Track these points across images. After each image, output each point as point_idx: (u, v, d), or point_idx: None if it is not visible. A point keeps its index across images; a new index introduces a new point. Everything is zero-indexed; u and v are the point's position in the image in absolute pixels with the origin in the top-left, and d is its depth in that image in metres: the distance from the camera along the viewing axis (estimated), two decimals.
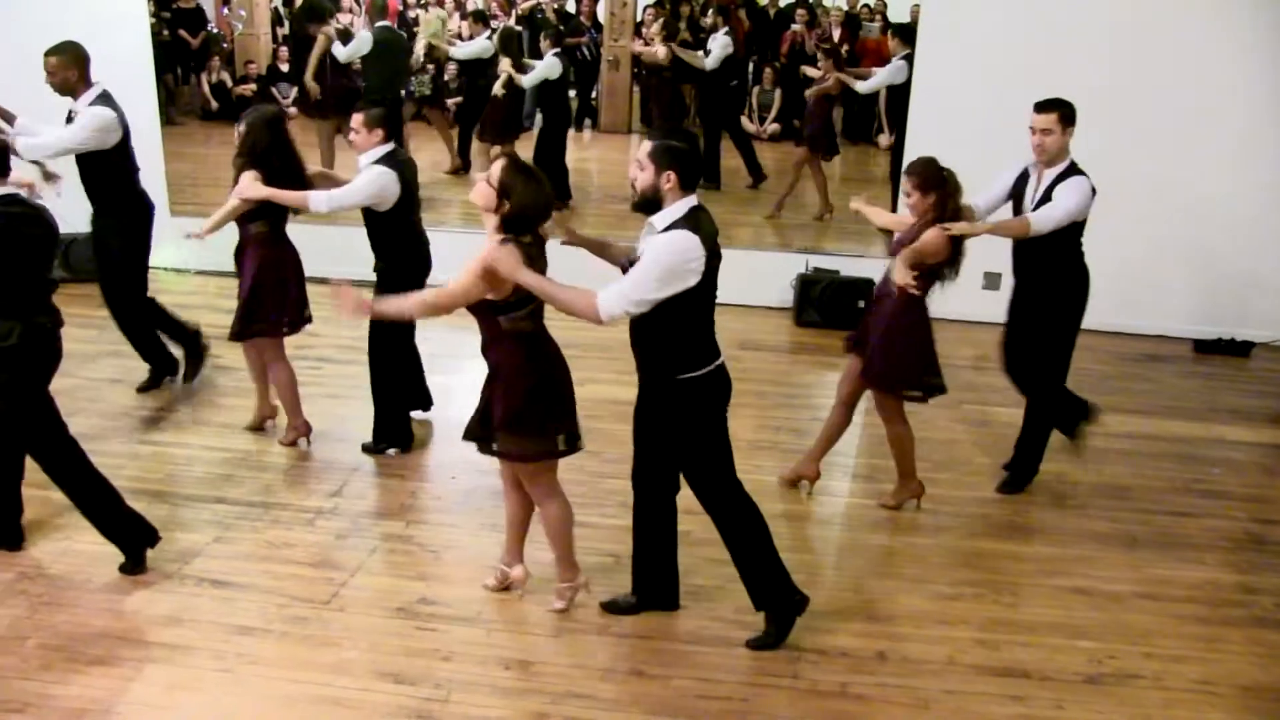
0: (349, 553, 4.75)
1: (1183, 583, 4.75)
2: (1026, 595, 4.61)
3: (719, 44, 9.74)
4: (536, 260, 3.89)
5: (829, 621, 4.36)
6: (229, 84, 11.32)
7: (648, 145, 3.77)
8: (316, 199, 5.25)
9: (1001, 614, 4.48)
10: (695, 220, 3.74)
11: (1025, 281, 5.19)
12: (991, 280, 7.55)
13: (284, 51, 11.64)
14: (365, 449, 5.68)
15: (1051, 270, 5.07)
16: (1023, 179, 5.12)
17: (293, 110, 11.88)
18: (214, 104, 11.34)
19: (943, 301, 7.55)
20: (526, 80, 9.21)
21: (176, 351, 6.37)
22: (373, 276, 5.45)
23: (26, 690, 3.82)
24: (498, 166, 3.88)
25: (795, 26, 10.62)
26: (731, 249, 7.21)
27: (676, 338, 3.86)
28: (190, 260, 7.42)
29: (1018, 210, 5.12)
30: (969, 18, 7.38)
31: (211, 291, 7.02)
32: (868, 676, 4.07)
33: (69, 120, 5.70)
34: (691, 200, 3.78)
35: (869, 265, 7.85)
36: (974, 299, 7.63)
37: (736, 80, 10.26)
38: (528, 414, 3.99)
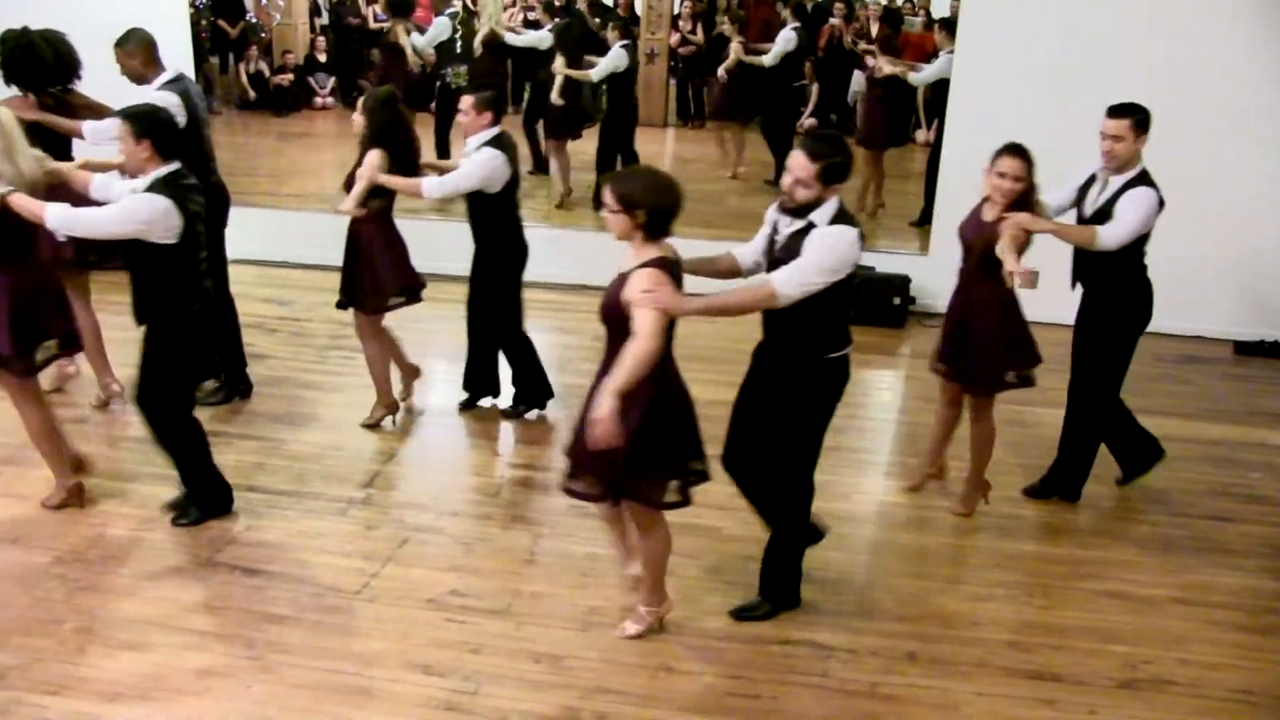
0: (380, 543, 4.77)
1: (1220, 589, 4.68)
2: (1059, 598, 4.56)
3: (782, 39, 9.60)
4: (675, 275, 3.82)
5: (860, 621, 4.34)
6: (267, 74, 11.39)
7: (813, 166, 3.81)
8: (429, 185, 5.37)
9: (1034, 616, 4.44)
10: (849, 213, 3.94)
11: (1089, 291, 5.05)
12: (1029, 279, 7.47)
13: (321, 41, 11.71)
14: (505, 414, 5.96)
15: (1113, 281, 4.94)
16: (1089, 182, 4.98)
17: (330, 100, 11.96)
18: (252, 93, 11.43)
19: None
20: (595, 74, 9.10)
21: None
22: (454, 271, 5.61)
23: (62, 673, 3.86)
24: (605, 191, 3.73)
25: (833, 20, 10.54)
26: None
27: (831, 318, 4.00)
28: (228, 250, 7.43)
29: (1079, 213, 5.02)
30: (1008, 14, 7.30)
31: (249, 280, 7.03)
32: (898, 677, 4.04)
33: None
34: (838, 195, 3.92)
35: (904, 262, 7.80)
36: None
37: (802, 81, 10.02)
38: (656, 452, 3.77)
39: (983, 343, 4.79)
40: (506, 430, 5.89)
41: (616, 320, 3.72)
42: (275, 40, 11.62)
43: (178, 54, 7.94)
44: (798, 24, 9.67)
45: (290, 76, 11.41)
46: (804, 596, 4.41)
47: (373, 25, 12.54)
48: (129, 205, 4.32)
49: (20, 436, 5.38)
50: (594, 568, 4.61)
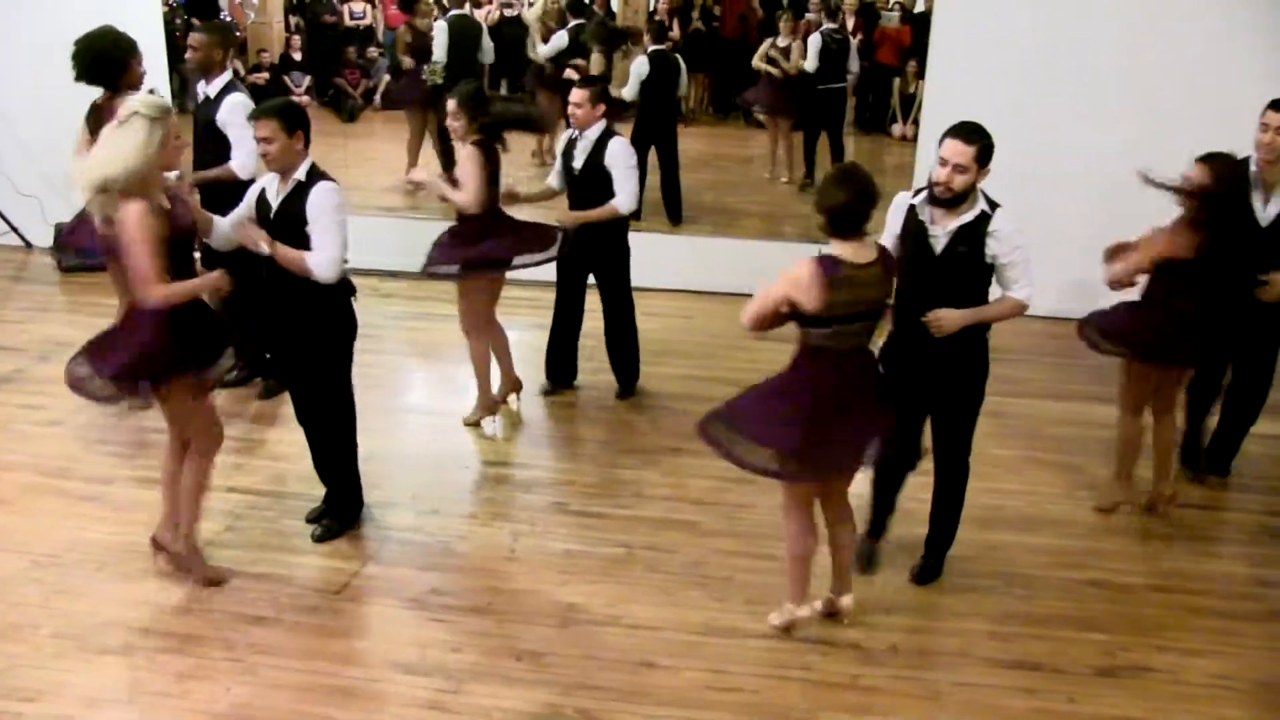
0: (360, 542, 4.75)
1: (1197, 575, 4.71)
2: (1039, 587, 4.58)
3: (813, 41, 9.47)
4: None
5: None
6: (242, 72, 11.31)
7: (970, 149, 3.93)
8: (623, 203, 5.61)
9: (1014, 606, 4.46)
10: None
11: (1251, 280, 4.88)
12: None
13: (296, 40, 11.64)
14: (621, 396, 6.13)
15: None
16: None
17: (306, 99, 11.89)
18: None
19: None
20: (627, 93, 8.94)
21: None
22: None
23: (40, 678, 3.83)
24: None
25: (809, 15, 10.54)
26: (742, 239, 7.19)
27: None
28: None
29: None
30: (983, 7, 7.31)
31: None
32: (879, 668, 4.06)
33: (204, 101, 5.64)
34: None
35: None
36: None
37: (841, 82, 9.42)
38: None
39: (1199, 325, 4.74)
40: (485, 428, 5.87)
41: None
42: (250, 39, 11.54)
43: (152, 54, 7.90)
44: (832, 25, 9.46)
45: (266, 75, 11.32)
46: (781, 590, 4.42)
47: (348, 23, 12.48)
48: (332, 206, 4.27)
49: None
50: (573, 564, 4.61)
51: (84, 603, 4.27)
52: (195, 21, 11.28)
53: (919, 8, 10.07)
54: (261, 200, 4.41)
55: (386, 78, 11.86)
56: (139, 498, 4.94)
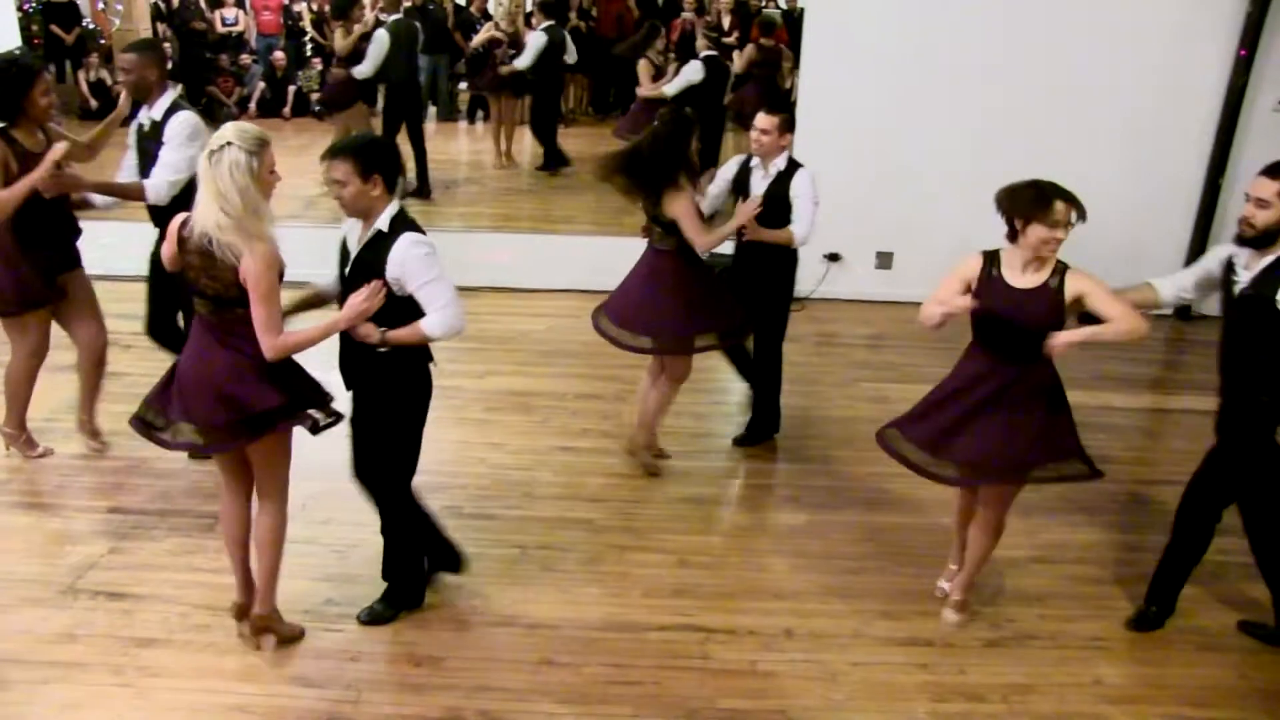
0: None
1: (1074, 545, 4.92)
2: (928, 566, 4.71)
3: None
4: None
5: (736, 601, 4.43)
6: (109, 81, 11.01)
7: (1275, 184, 3.72)
8: (800, 233, 5.26)
9: (904, 585, 4.58)
10: None
11: None
12: (884, 260, 7.72)
13: (166, 48, 11.34)
14: (740, 441, 5.78)
15: None
16: None
17: None
18: (93, 102, 11.07)
19: (837, 282, 7.66)
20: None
21: None
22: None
23: None
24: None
25: (685, 14, 10.65)
26: (625, 237, 7.21)
27: None
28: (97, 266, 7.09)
29: None
30: (855, 5, 7.46)
31: (102, 295, 6.69)
32: (776, 653, 4.14)
33: (142, 132, 5.21)
34: None
35: None
36: (868, 279, 7.80)
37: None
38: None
39: None
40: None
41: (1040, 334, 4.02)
42: (115, 46, 11.22)
43: None
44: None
45: None
46: (676, 582, 4.51)
47: (220, 29, 12.21)
48: (437, 265, 3.78)
49: None
50: (469, 567, 4.59)
51: None
52: (54, 29, 10.98)
53: (782, 4, 10.25)
54: (344, 251, 3.92)
55: (261, 85, 11.67)
56: (11, 524, 4.78)
